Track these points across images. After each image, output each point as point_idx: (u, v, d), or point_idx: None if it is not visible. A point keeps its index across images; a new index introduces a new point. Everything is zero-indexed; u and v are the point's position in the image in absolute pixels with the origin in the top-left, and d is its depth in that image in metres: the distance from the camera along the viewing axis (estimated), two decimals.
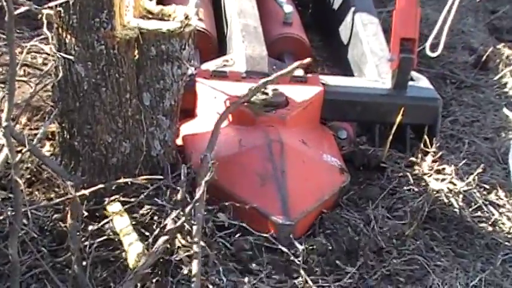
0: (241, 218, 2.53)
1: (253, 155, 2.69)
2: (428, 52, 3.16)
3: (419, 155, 3.06)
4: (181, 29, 2.43)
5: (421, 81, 3.29)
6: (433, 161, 3.03)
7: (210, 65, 3.10)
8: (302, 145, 2.82)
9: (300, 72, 3.16)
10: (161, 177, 2.48)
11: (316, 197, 2.66)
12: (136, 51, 2.46)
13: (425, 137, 3.09)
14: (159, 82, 2.52)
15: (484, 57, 4.16)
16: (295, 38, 3.65)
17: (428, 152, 3.06)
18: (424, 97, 3.21)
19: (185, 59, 2.51)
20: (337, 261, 2.50)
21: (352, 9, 3.71)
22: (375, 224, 2.65)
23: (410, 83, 3.21)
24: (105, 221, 2.35)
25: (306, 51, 3.61)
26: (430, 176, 2.97)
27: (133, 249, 2.23)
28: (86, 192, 2.20)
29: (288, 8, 3.70)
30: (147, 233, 2.34)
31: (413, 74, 3.27)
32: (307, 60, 2.99)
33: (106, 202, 2.40)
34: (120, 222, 2.35)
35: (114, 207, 2.39)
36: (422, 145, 3.08)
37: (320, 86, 3.08)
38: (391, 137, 3.01)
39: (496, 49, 4.31)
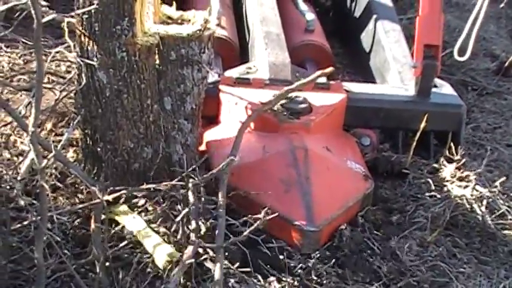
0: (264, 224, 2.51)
1: (277, 161, 2.69)
2: (456, 57, 3.15)
3: (442, 161, 3.04)
4: (200, 33, 2.45)
5: (444, 88, 3.28)
6: (456, 168, 3.02)
7: (233, 72, 3.11)
8: (326, 152, 2.81)
9: (323, 79, 3.17)
10: (182, 183, 2.49)
11: (340, 204, 2.65)
12: (156, 56, 2.48)
13: (450, 143, 3.07)
14: (180, 86, 2.55)
15: (506, 63, 4.14)
16: (317, 45, 3.66)
17: (452, 159, 3.04)
18: (448, 104, 3.20)
19: (205, 63, 2.53)
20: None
21: (374, 16, 3.71)
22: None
23: (434, 89, 3.19)
24: (122, 224, 2.36)
25: (328, 58, 3.62)
26: (453, 182, 2.95)
27: (160, 251, 2.25)
28: (110, 197, 2.22)
29: (310, 16, 3.71)
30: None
31: (437, 80, 3.26)
32: (330, 69, 2.99)
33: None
34: (135, 225, 2.35)
35: (122, 208, 2.39)
36: (446, 152, 3.06)
37: (343, 93, 3.08)
38: (414, 144, 2.99)
39: None
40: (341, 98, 3.04)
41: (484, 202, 2.83)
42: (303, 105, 2.89)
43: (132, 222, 2.38)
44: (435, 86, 3.22)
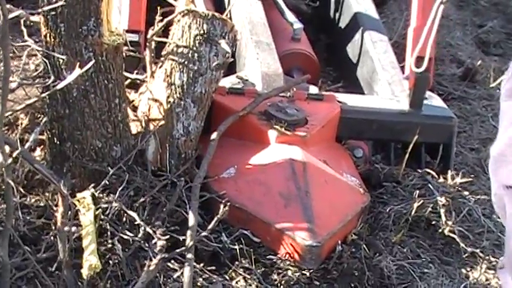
0: (264, 239, 2.53)
1: (276, 175, 2.67)
2: (413, 67, 3.13)
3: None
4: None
5: (434, 100, 3.30)
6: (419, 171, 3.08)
7: (225, 82, 3.06)
8: (324, 165, 2.80)
9: (315, 90, 3.19)
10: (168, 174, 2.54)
11: (340, 218, 2.62)
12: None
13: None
14: (195, 63, 2.57)
15: (472, 70, 4.23)
16: (304, 54, 3.63)
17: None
18: (440, 116, 3.21)
19: (223, 50, 2.55)
20: None
21: (361, 27, 3.68)
22: None
23: (425, 101, 3.20)
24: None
25: (315, 67, 3.62)
26: (418, 186, 3.01)
27: (87, 257, 2.18)
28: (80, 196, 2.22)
29: (297, 24, 3.67)
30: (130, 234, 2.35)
31: (426, 92, 3.24)
32: (306, 76, 3.01)
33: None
34: (85, 218, 2.29)
35: (84, 195, 2.35)
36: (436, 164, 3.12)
37: (337, 104, 3.09)
38: (407, 156, 3.00)
39: (484, 62, 4.37)
40: (335, 110, 3.05)
41: (448, 204, 2.89)
42: (298, 117, 2.89)
43: (82, 215, 2.32)
44: (425, 98, 3.23)
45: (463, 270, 2.69)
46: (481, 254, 2.76)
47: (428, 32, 2.92)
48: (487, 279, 2.67)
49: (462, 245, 2.76)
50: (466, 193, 3.04)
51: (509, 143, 1.59)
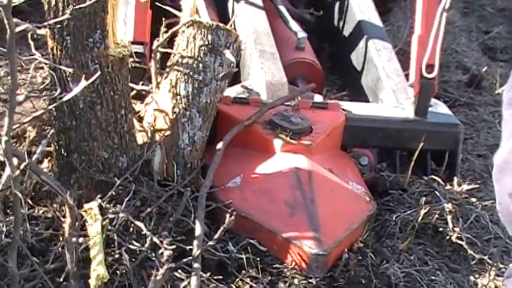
0: (270, 247, 2.53)
1: (281, 183, 2.67)
2: (424, 73, 3.13)
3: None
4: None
5: (439, 107, 3.30)
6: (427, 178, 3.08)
7: (230, 92, 3.07)
8: (329, 173, 2.81)
9: (319, 99, 3.20)
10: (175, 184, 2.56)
11: (346, 226, 2.62)
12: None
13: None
14: (200, 73, 2.60)
15: (478, 76, 4.23)
16: (308, 63, 3.64)
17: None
18: (446, 123, 3.22)
19: (228, 60, 2.59)
20: None
21: (365, 35, 3.69)
22: None
23: (430, 108, 3.20)
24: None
25: (319, 76, 3.62)
26: (425, 193, 3.00)
27: (95, 267, 2.19)
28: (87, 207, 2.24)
29: (301, 34, 3.68)
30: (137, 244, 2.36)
31: (432, 99, 3.24)
32: (311, 85, 3.00)
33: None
34: (92, 228, 2.30)
35: (91, 206, 2.36)
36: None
37: (341, 113, 3.10)
38: (412, 163, 3.00)
39: (490, 68, 4.37)
40: (340, 118, 3.06)
41: (455, 211, 2.89)
42: (302, 126, 2.89)
43: (90, 226, 2.34)
44: (430, 105, 3.23)
45: (471, 278, 2.69)
46: (489, 261, 2.75)
47: (433, 40, 2.92)
48: (496, 287, 2.65)
49: (470, 251, 2.75)
50: (474, 200, 3.03)
51: None
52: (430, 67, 2.99)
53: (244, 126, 2.85)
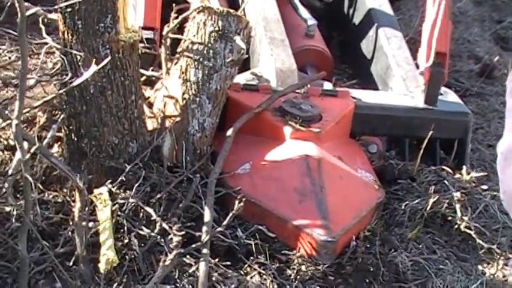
0: (279, 234, 2.53)
1: (291, 170, 2.68)
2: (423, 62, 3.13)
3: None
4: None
5: (449, 96, 3.28)
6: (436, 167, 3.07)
7: (239, 78, 3.06)
8: (338, 160, 2.81)
9: (329, 86, 3.19)
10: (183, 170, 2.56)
11: (354, 213, 2.62)
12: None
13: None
14: (210, 60, 2.60)
15: (490, 66, 4.21)
16: (318, 50, 3.62)
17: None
18: (455, 111, 3.20)
19: (238, 46, 2.59)
20: None
21: (375, 23, 3.67)
22: None
23: (440, 97, 3.19)
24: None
25: (329, 63, 3.61)
26: (434, 182, 3.00)
27: (104, 253, 2.21)
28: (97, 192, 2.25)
29: (311, 21, 3.67)
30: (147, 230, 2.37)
31: (442, 88, 3.24)
32: (322, 73, 2.99)
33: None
34: (102, 214, 2.32)
35: (101, 191, 2.38)
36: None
37: (351, 100, 3.09)
38: (422, 152, 3.00)
39: (502, 58, 4.35)
40: (349, 106, 3.05)
41: (464, 200, 2.88)
42: (312, 113, 2.89)
43: (100, 211, 2.35)
44: (440, 94, 3.22)
45: (480, 267, 2.68)
46: (497, 250, 2.74)
47: (440, 27, 2.92)
48: (504, 276, 2.65)
49: (479, 241, 2.74)
50: (482, 189, 3.01)
51: None
52: (440, 55, 2.97)
53: (254, 113, 2.85)
